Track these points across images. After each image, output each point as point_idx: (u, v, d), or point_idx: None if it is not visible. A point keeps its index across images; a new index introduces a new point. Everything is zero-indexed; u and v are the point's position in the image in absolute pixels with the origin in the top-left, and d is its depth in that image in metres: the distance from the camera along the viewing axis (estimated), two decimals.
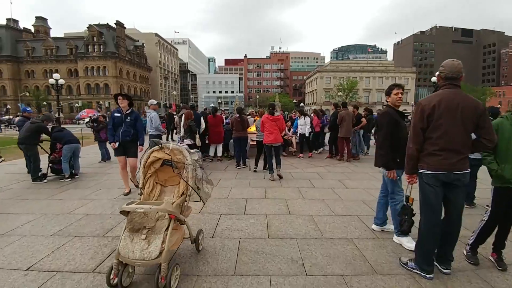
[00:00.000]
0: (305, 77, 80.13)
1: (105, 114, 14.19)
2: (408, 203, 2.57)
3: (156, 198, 2.74)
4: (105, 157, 8.48)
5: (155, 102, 7.04)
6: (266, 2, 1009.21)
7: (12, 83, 57.31)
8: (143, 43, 68.75)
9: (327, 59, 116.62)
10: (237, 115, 7.09)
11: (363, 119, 8.70)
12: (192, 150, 2.82)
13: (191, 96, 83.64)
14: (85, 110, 39.98)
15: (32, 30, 64.33)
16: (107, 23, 58.07)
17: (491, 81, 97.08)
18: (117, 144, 4.61)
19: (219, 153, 8.12)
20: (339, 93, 52.67)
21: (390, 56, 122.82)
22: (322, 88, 61.96)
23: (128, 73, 61.74)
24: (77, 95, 57.14)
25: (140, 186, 2.72)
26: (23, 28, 63.41)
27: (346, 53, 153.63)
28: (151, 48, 73.65)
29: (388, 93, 3.08)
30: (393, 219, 2.99)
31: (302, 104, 68.02)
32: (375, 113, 11.61)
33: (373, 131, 10.95)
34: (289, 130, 9.20)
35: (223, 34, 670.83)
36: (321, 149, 10.02)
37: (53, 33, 68.19)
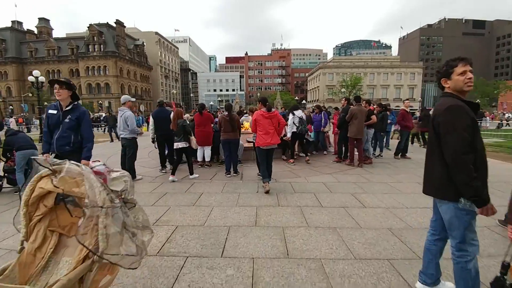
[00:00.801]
0: (307, 74, 78.60)
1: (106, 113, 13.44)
2: (504, 276, 1.37)
3: (47, 259, 1.56)
4: None
5: (129, 98, 5.90)
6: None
7: (17, 84, 57.64)
8: (143, 42, 67.94)
9: (330, 56, 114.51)
10: (226, 113, 5.90)
11: (373, 117, 7.32)
12: (115, 173, 1.64)
13: (191, 95, 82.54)
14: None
15: (35, 32, 64.48)
16: (107, 22, 57.41)
17: (505, 74, 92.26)
18: (51, 156, 3.22)
19: (207, 158, 6.92)
20: (342, 90, 51.28)
21: (394, 52, 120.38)
22: (325, 85, 60.55)
23: (129, 72, 61.10)
24: (79, 94, 56.42)
25: (21, 237, 1.57)
26: (27, 29, 63.72)
27: (349, 49, 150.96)
28: (152, 47, 72.88)
29: (446, 73, 1.84)
30: (457, 284, 1.80)
31: (304, 101, 66.61)
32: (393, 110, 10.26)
33: (393, 128, 9.74)
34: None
35: (224, 33, 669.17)
36: (325, 152, 8.85)
37: (56, 34, 67.99)
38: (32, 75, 12.43)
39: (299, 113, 7.15)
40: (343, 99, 7.71)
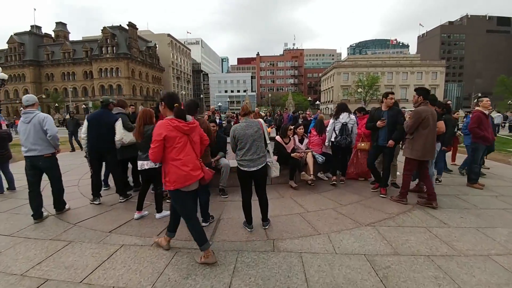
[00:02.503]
0: (320, 74, 76.70)
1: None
2: None
3: None
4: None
5: (34, 97, 3.89)
6: (280, 0, 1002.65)
7: (34, 86, 59.39)
8: (155, 44, 68.55)
9: (344, 56, 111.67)
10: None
11: (441, 123, 4.56)
12: None
13: (202, 96, 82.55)
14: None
15: (53, 35, 66.61)
16: (120, 25, 58.11)
17: None
18: None
19: None
20: (359, 90, 49.30)
21: (412, 52, 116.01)
22: (339, 85, 58.54)
23: (141, 74, 61.71)
24: (92, 96, 57.67)
25: None
26: (45, 33, 66.00)
27: (364, 48, 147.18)
28: (164, 48, 73.51)
29: None
30: None
31: (318, 102, 64.88)
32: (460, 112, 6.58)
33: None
34: (301, 140, 5.66)
35: (236, 35, 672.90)
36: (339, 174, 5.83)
37: (73, 38, 69.78)
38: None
39: (344, 117, 5.31)
40: (383, 97, 4.79)
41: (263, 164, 3.28)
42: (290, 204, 4.37)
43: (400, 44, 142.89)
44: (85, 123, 4.48)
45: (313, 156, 5.28)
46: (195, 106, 3.43)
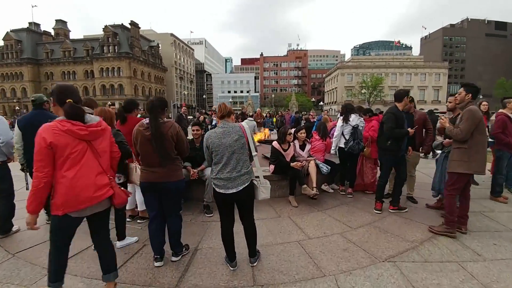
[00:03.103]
0: (324, 75, 75.68)
1: None
2: None
3: None
4: None
5: None
6: (284, 1, 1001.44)
7: (33, 85, 58.45)
8: (158, 44, 68.03)
9: (347, 57, 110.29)
10: (146, 120, 2.53)
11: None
12: None
13: (204, 96, 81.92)
14: None
15: (52, 33, 65.56)
16: (122, 24, 57.57)
17: None
18: None
19: (140, 205, 3.62)
20: (363, 91, 48.45)
21: (415, 53, 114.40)
22: (343, 86, 57.66)
23: (143, 74, 61.14)
24: (92, 96, 57.12)
25: None
26: (43, 31, 64.66)
27: (368, 50, 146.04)
28: (167, 48, 72.97)
29: None
30: None
31: (321, 103, 63.88)
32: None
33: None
34: (302, 147, 4.83)
35: (240, 36, 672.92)
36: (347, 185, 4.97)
37: (76, 36, 69.06)
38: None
39: (354, 119, 4.60)
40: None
41: (246, 185, 2.44)
42: (288, 227, 3.55)
43: (404, 46, 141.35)
44: (16, 130, 3.42)
45: (317, 166, 4.49)
46: (159, 104, 2.52)
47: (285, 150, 4.50)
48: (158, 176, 2.47)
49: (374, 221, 3.76)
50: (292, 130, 4.87)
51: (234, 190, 2.37)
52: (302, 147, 4.81)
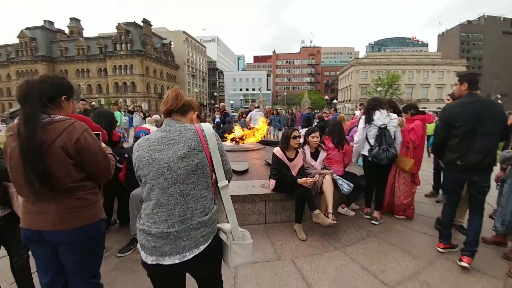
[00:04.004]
0: (338, 73, 73.31)
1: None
2: None
3: None
4: None
5: None
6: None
7: None
8: (170, 41, 67.99)
9: (362, 54, 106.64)
10: (14, 121, 1.44)
11: None
12: None
13: (216, 94, 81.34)
14: None
15: (67, 31, 66.70)
16: (134, 21, 57.69)
17: None
18: None
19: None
20: (378, 89, 46.12)
21: (431, 50, 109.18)
22: (358, 84, 55.41)
23: (155, 71, 61.25)
24: (106, 93, 57.66)
25: None
26: (57, 29, 65.80)
27: (383, 47, 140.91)
28: (179, 46, 72.89)
29: None
30: None
31: (335, 101, 61.75)
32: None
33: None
34: (315, 155, 3.60)
35: (253, 34, 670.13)
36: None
37: (87, 34, 70.04)
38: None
39: (381, 118, 3.37)
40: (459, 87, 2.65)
41: (203, 246, 1.27)
42: (289, 281, 2.36)
43: (420, 43, 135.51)
44: None
45: (335, 182, 3.30)
46: (28, 89, 1.35)
47: (290, 160, 3.30)
48: (42, 220, 1.37)
49: (419, 270, 2.54)
50: (302, 132, 3.69)
51: (175, 260, 1.22)
52: (315, 156, 3.59)
